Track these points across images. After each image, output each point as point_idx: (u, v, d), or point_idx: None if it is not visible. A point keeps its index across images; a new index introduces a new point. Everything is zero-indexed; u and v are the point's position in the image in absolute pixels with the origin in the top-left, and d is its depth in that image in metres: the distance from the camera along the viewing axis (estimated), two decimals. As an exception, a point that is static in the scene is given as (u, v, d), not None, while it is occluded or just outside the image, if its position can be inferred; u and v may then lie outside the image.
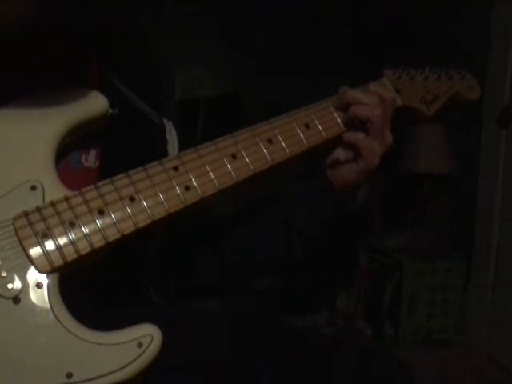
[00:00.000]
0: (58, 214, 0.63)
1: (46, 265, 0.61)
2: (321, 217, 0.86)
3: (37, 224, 0.62)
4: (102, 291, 0.75)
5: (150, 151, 0.71)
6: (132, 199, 0.65)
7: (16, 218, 0.62)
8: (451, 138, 2.43)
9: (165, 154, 0.78)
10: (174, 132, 0.82)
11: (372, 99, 0.79)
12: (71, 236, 0.62)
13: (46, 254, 0.61)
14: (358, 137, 0.80)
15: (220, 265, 0.88)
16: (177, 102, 0.88)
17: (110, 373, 0.58)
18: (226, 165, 0.71)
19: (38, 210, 0.63)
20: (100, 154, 0.75)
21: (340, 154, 0.82)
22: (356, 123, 0.80)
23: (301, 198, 0.90)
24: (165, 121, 0.81)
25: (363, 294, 2.67)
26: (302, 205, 0.88)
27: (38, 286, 0.60)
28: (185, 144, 0.74)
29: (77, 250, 0.62)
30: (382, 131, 0.79)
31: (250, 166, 0.72)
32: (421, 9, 2.61)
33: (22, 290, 0.60)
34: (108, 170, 0.68)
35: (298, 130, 0.77)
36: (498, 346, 2.32)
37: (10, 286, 0.59)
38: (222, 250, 0.87)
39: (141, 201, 0.65)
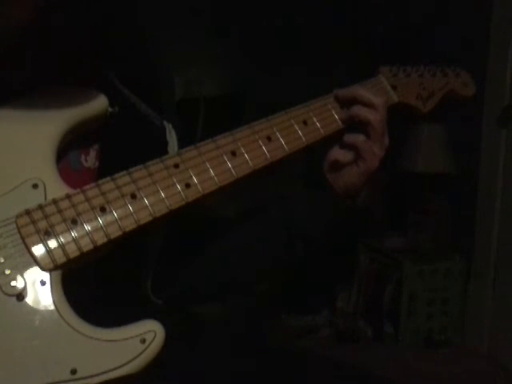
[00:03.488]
0: (60, 211, 0.63)
1: (49, 262, 0.61)
2: (322, 218, 0.87)
3: (39, 222, 0.62)
4: (103, 289, 0.75)
5: (150, 152, 0.71)
6: (133, 196, 0.65)
7: (18, 216, 0.62)
8: (451, 138, 2.44)
9: (165, 155, 0.78)
10: (173, 134, 0.82)
11: (376, 101, 0.80)
12: (74, 233, 0.62)
13: (48, 251, 0.61)
14: (358, 138, 0.80)
15: (220, 266, 0.88)
16: (177, 102, 0.89)
17: (114, 369, 0.59)
18: (225, 162, 0.71)
19: (40, 207, 0.63)
20: (100, 155, 0.75)
21: (340, 155, 0.83)
22: (355, 121, 0.81)
23: (302, 200, 0.90)
24: (165, 123, 0.81)
25: (363, 294, 2.67)
26: (303, 206, 0.89)
27: (41, 283, 0.61)
28: (185, 145, 0.74)
29: (79, 248, 0.62)
30: (383, 134, 0.80)
31: (250, 163, 0.73)
32: (421, 8, 2.62)
33: (25, 287, 0.60)
34: (108, 170, 0.68)
35: (297, 127, 0.77)
36: (498, 346, 2.32)
37: (13, 283, 0.59)
38: (223, 252, 0.87)
39: (142, 198, 0.66)
